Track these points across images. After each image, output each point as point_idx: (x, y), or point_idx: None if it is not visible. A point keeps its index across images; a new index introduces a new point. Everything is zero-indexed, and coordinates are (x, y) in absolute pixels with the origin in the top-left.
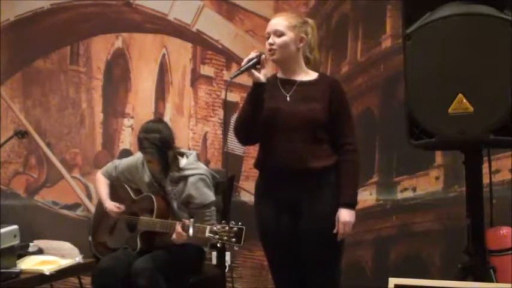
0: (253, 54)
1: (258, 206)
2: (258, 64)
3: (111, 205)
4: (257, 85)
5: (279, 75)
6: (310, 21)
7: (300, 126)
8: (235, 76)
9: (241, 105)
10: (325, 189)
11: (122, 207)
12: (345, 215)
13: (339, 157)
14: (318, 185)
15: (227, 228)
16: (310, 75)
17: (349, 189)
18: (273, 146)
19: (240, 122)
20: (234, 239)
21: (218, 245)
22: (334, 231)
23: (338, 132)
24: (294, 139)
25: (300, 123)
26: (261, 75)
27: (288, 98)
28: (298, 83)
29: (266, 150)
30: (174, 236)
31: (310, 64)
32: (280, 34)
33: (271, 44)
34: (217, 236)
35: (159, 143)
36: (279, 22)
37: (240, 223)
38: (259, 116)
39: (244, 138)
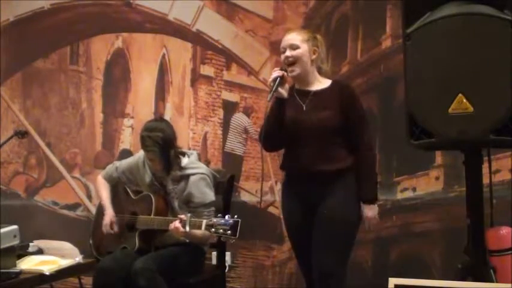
0: (276, 74)
1: (284, 205)
2: (282, 80)
3: (108, 220)
4: (280, 100)
5: (296, 86)
6: (318, 36)
7: (316, 133)
8: (271, 98)
9: (240, 105)
10: (340, 188)
11: (116, 229)
12: (368, 212)
13: (357, 158)
14: (333, 185)
15: (223, 221)
16: (324, 84)
17: (367, 185)
18: (294, 151)
19: (264, 133)
20: (229, 232)
21: (215, 239)
22: (367, 228)
23: (353, 134)
24: (310, 145)
25: (315, 131)
26: (284, 92)
27: (304, 108)
28: (312, 93)
29: (288, 155)
30: (171, 225)
31: (322, 74)
32: (295, 47)
33: (288, 57)
34: (213, 229)
35: (161, 142)
36: (294, 37)
37: (236, 216)
38: (281, 127)
39: (270, 147)
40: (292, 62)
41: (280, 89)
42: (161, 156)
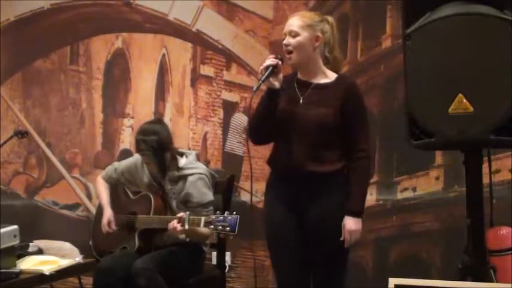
0: (269, 62)
1: (266, 205)
2: (275, 69)
3: (106, 219)
4: (271, 91)
5: (298, 75)
6: (329, 19)
7: (309, 130)
8: (258, 88)
9: (241, 105)
10: (330, 193)
11: (114, 228)
12: (351, 224)
13: (350, 163)
14: (322, 188)
15: (221, 218)
16: (328, 77)
17: (356, 197)
18: (283, 147)
19: (253, 124)
20: (228, 228)
21: (214, 237)
22: (341, 238)
23: (351, 137)
24: (303, 142)
25: (308, 127)
26: (277, 82)
27: (301, 101)
28: (313, 86)
29: (277, 150)
30: (170, 225)
31: (330, 64)
32: (294, 34)
33: (286, 45)
34: (212, 226)
35: (156, 145)
36: (294, 22)
37: (234, 212)
38: (271, 119)
39: (257, 139)
40: (291, 50)
41: (271, 79)
42: (156, 160)
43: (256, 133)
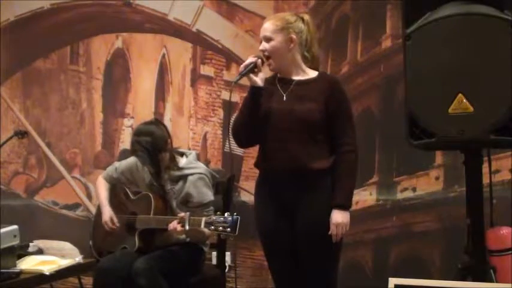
0: (250, 60)
1: (256, 205)
2: (255, 68)
3: (107, 216)
4: (254, 89)
5: (279, 74)
6: (305, 17)
7: (295, 127)
8: (236, 82)
9: (241, 105)
10: (321, 192)
11: (117, 224)
12: (337, 217)
13: (336, 157)
14: (313, 187)
15: (222, 218)
16: (309, 75)
17: (343, 190)
18: (270, 146)
19: (237, 125)
20: (229, 229)
21: (215, 237)
22: (329, 233)
23: (336, 132)
24: (289, 139)
25: (294, 124)
26: (258, 79)
27: (284, 98)
28: (295, 82)
29: (264, 150)
30: (170, 226)
31: (309, 62)
32: (268, 39)
33: (262, 51)
34: (212, 227)
35: (149, 147)
36: (267, 27)
37: (235, 213)
38: (256, 119)
39: (242, 141)
40: (268, 56)
41: (252, 76)
42: (150, 161)
43: (240, 134)
